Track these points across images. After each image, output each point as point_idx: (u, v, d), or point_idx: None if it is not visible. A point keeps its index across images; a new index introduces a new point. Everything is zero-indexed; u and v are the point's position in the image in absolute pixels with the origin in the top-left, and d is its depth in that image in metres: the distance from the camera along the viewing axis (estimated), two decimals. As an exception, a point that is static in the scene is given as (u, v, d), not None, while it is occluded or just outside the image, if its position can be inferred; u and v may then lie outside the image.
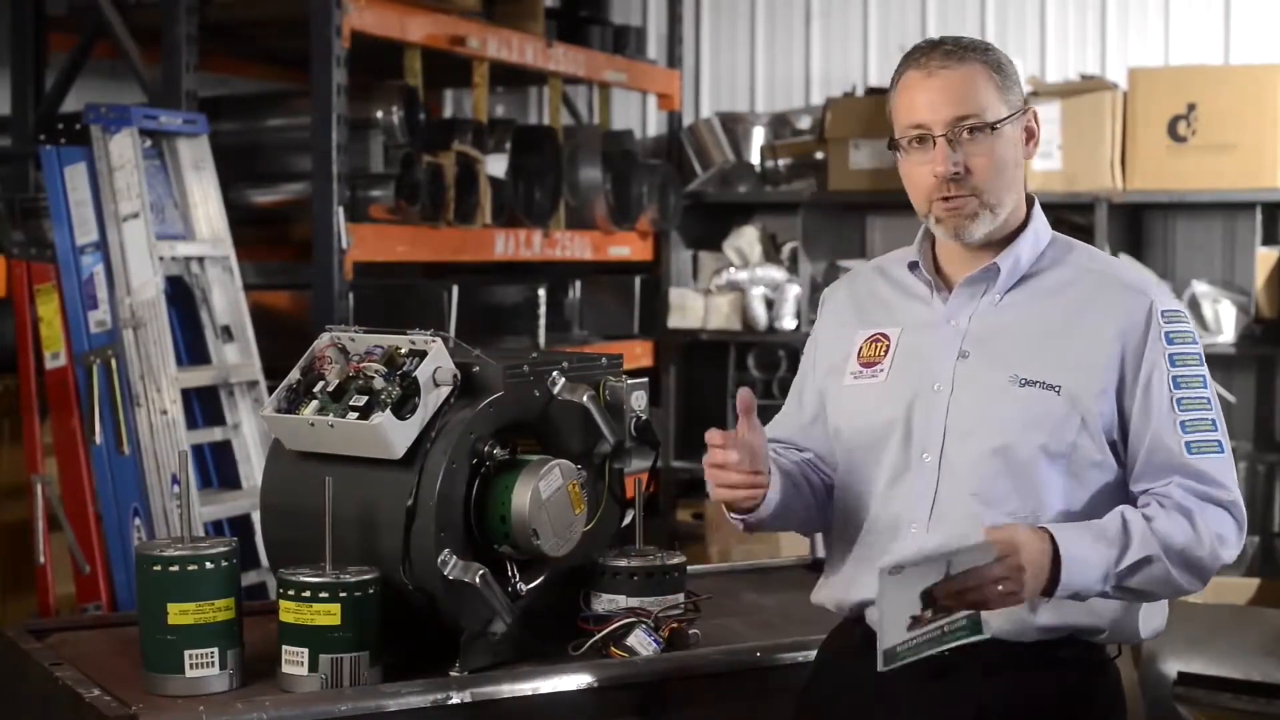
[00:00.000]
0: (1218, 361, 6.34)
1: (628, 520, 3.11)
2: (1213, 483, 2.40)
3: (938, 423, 2.44)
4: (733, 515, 2.53)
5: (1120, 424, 2.42)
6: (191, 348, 4.81)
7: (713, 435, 2.42)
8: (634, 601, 2.94)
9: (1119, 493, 2.44)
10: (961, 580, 2.24)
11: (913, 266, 2.55)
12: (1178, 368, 2.41)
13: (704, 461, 2.45)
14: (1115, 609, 2.43)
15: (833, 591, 2.57)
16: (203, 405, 4.80)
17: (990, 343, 2.45)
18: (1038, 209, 2.54)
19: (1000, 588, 2.24)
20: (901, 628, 2.26)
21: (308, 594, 2.66)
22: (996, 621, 2.32)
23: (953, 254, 2.52)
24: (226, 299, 4.83)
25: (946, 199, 2.42)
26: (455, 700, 2.69)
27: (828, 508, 2.63)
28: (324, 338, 2.95)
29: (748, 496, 2.44)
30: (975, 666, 2.36)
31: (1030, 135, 2.50)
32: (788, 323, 6.74)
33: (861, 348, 2.55)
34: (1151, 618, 2.50)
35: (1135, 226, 6.62)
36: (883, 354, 2.52)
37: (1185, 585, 2.38)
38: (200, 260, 4.82)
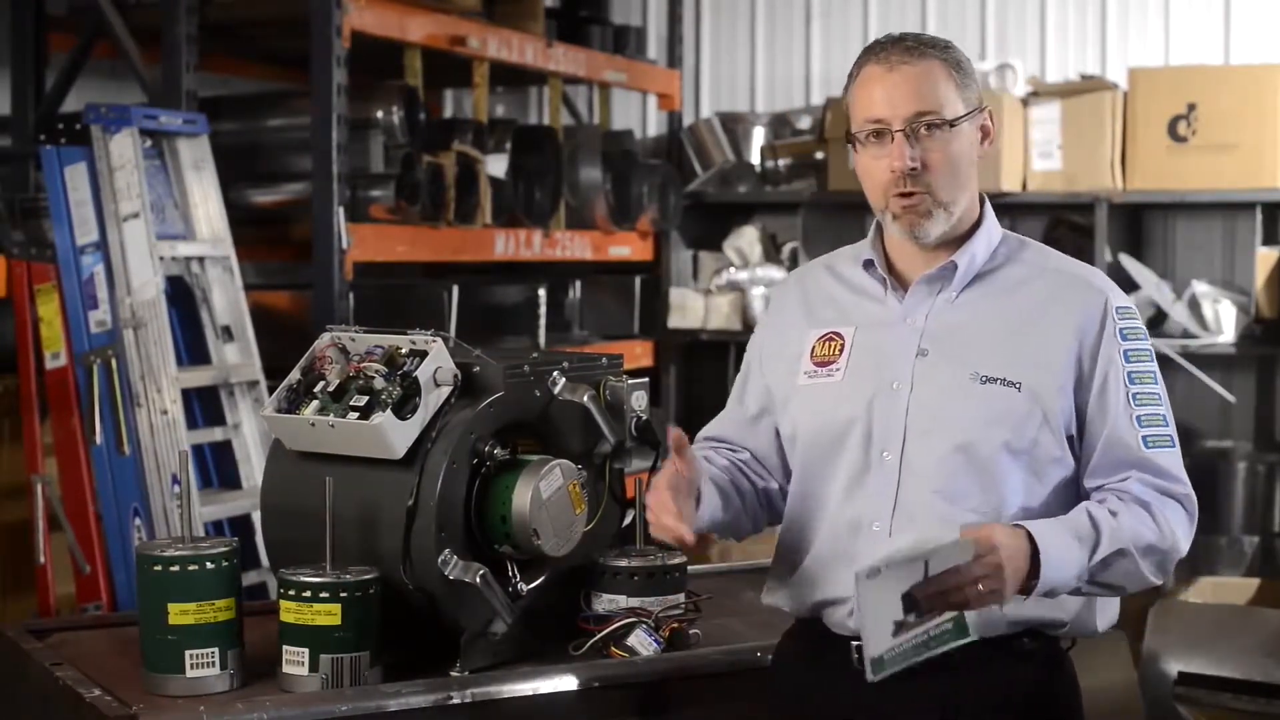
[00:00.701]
0: (1218, 361, 6.35)
1: (628, 520, 3.11)
2: (1169, 477, 2.44)
3: (898, 421, 2.43)
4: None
5: (1077, 420, 2.43)
6: (192, 348, 4.81)
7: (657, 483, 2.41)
8: (634, 601, 2.94)
9: (1075, 488, 2.46)
10: (942, 581, 2.24)
11: (867, 265, 2.54)
12: (1132, 364, 2.44)
13: (646, 498, 2.43)
14: (1078, 603, 2.44)
15: (791, 593, 2.55)
16: (203, 405, 4.80)
17: (949, 340, 2.45)
18: (989, 207, 2.54)
19: (981, 587, 2.24)
20: (886, 634, 2.26)
21: (308, 594, 2.66)
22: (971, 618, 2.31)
23: (906, 252, 2.51)
24: (227, 299, 4.83)
25: (902, 195, 2.42)
26: (456, 700, 2.69)
27: (761, 511, 2.63)
28: (324, 338, 2.95)
29: (671, 532, 2.40)
30: (939, 663, 2.33)
31: (986, 134, 2.50)
32: (788, 323, 6.73)
33: (814, 347, 2.54)
34: (1106, 610, 2.52)
35: (1135, 226, 6.62)
36: (838, 353, 2.51)
37: (1152, 578, 2.40)
38: (200, 260, 4.82)
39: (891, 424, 2.43)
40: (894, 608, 2.26)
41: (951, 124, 2.42)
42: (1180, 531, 2.42)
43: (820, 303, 2.59)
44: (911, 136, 2.40)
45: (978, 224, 2.51)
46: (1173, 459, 2.46)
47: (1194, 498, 2.47)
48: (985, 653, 2.36)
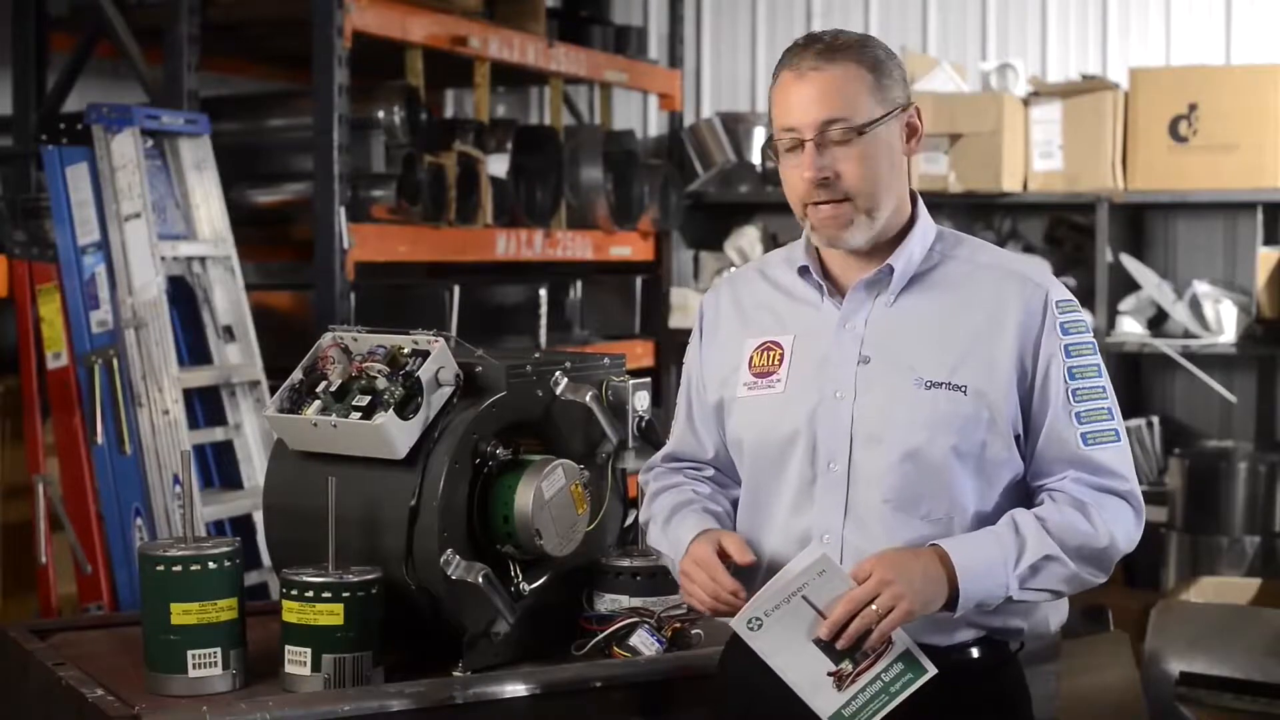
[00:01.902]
0: (1219, 361, 6.35)
1: (630, 520, 3.11)
2: (1109, 473, 2.40)
3: (843, 430, 2.38)
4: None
5: (1022, 418, 2.40)
6: (193, 348, 4.81)
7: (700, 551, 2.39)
8: (636, 601, 2.94)
9: (1025, 489, 2.43)
10: (837, 615, 2.22)
11: (803, 271, 2.49)
12: (1073, 358, 2.40)
13: (688, 571, 2.40)
14: (1029, 607, 2.41)
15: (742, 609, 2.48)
16: (204, 405, 4.80)
17: (891, 346, 2.40)
18: (921, 205, 2.49)
19: (875, 607, 2.23)
20: (828, 688, 2.24)
21: (311, 594, 2.67)
22: (916, 628, 2.29)
23: (840, 257, 2.46)
24: (228, 299, 4.83)
25: (819, 204, 2.37)
26: (458, 700, 2.70)
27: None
28: (327, 338, 2.95)
29: (717, 611, 2.39)
30: None
31: (913, 133, 2.44)
32: (789, 323, 6.73)
33: (752, 357, 2.48)
34: (1059, 610, 2.49)
35: (1136, 226, 6.62)
36: (777, 363, 2.46)
37: (1089, 579, 2.38)
38: (202, 260, 4.81)
39: (836, 434, 2.39)
40: (816, 659, 2.24)
41: (861, 130, 2.35)
42: (1120, 528, 2.38)
43: (755, 310, 2.53)
44: (822, 145, 2.35)
45: (911, 223, 2.46)
46: (1115, 455, 2.41)
47: (1138, 493, 2.43)
48: (938, 662, 2.32)
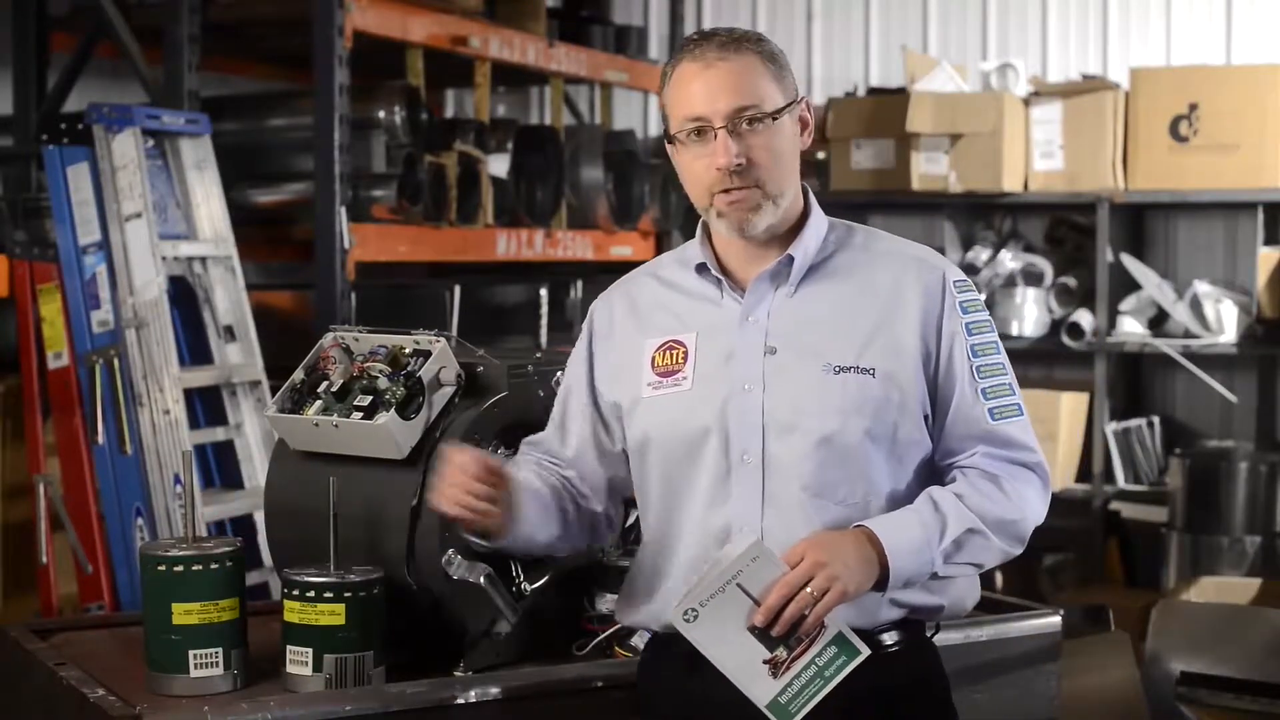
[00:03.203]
0: (1219, 361, 6.35)
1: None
2: (1017, 446, 2.44)
3: (754, 422, 2.39)
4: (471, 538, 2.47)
5: (929, 398, 2.42)
6: (194, 348, 4.81)
7: (458, 454, 2.37)
8: (638, 601, 2.94)
9: (933, 468, 2.46)
10: (771, 601, 2.23)
11: (700, 269, 2.49)
12: (974, 336, 2.44)
13: (442, 474, 2.38)
14: (947, 585, 2.44)
15: (658, 609, 2.46)
16: (205, 405, 4.80)
17: (796, 335, 2.42)
18: (813, 197, 2.52)
19: (811, 590, 2.23)
20: (763, 676, 2.24)
21: (312, 594, 2.67)
22: (846, 614, 2.30)
23: (736, 251, 2.47)
24: (229, 299, 4.83)
25: (728, 191, 2.39)
26: (460, 700, 2.69)
27: (583, 534, 2.59)
28: (328, 338, 2.95)
29: (476, 521, 2.38)
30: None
31: (804, 125, 2.47)
32: (789, 322, 6.73)
33: (654, 357, 2.48)
34: (973, 590, 2.53)
35: (1137, 226, 6.62)
36: (681, 361, 2.46)
37: (1008, 549, 2.41)
38: (203, 260, 4.81)
39: (748, 426, 2.39)
40: (750, 648, 2.24)
41: (774, 117, 2.39)
42: (1031, 499, 2.43)
43: (652, 311, 2.53)
44: (734, 132, 2.37)
45: (804, 215, 2.49)
46: (1020, 428, 2.45)
47: (1045, 464, 2.47)
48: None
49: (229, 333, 4.82)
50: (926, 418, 2.43)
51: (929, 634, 2.50)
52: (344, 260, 4.95)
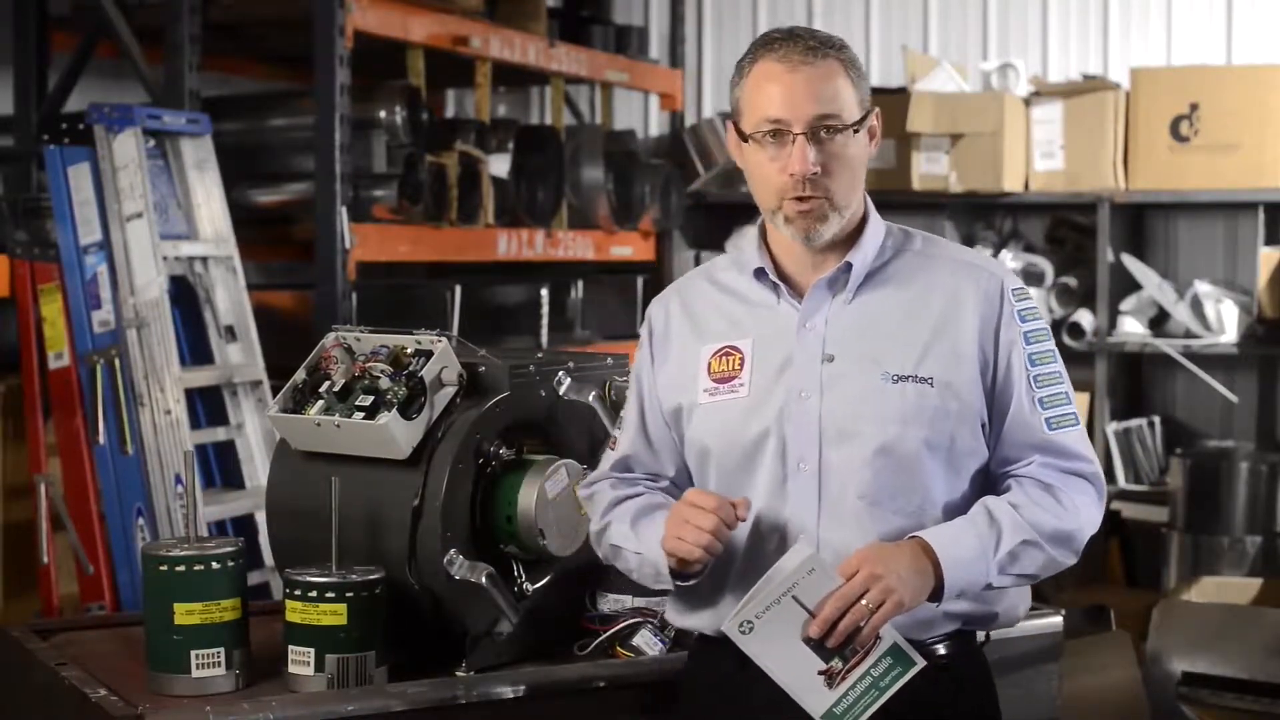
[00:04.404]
0: (1220, 362, 6.35)
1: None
2: (1073, 456, 2.43)
3: (811, 430, 2.38)
4: (674, 578, 2.42)
5: (986, 407, 2.41)
6: (195, 347, 4.81)
7: (701, 497, 2.34)
8: (640, 601, 2.94)
9: (991, 478, 2.45)
10: (827, 613, 2.23)
11: (758, 274, 2.48)
12: (1032, 345, 2.43)
13: (684, 514, 2.34)
14: (1000, 595, 2.44)
15: (713, 614, 2.45)
16: (206, 405, 4.80)
17: (853, 343, 2.41)
18: (870, 202, 2.50)
19: (867, 602, 2.23)
20: (818, 687, 2.25)
21: (314, 594, 2.67)
22: (900, 625, 2.30)
23: (795, 256, 2.46)
24: (230, 299, 4.83)
25: (799, 198, 2.37)
26: (461, 700, 2.69)
27: None
28: (330, 337, 2.95)
29: (701, 559, 2.35)
30: None
31: (873, 135, 2.45)
32: (790, 322, 6.73)
33: (710, 363, 2.46)
34: (1024, 598, 2.52)
35: (1137, 226, 6.62)
36: (738, 367, 2.45)
37: (1062, 561, 2.40)
38: (204, 260, 4.81)
39: (805, 434, 2.38)
40: (806, 659, 2.25)
41: (855, 129, 2.38)
42: (1087, 510, 2.42)
43: (707, 316, 2.51)
44: (812, 140, 2.35)
45: (863, 221, 2.47)
46: (1077, 438, 2.45)
47: (1100, 474, 2.47)
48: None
49: (230, 333, 4.82)
50: (983, 426, 2.42)
51: (979, 641, 2.49)
52: (345, 260, 4.95)
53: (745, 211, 7.15)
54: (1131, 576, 6.38)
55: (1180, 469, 5.94)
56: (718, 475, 2.45)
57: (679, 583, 2.43)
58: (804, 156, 2.34)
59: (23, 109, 5.48)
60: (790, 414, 2.39)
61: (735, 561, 2.42)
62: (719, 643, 2.38)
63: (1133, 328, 6.29)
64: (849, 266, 2.43)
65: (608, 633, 2.90)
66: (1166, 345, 6.17)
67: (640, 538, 2.47)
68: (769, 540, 2.40)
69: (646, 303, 7.01)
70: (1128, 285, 6.41)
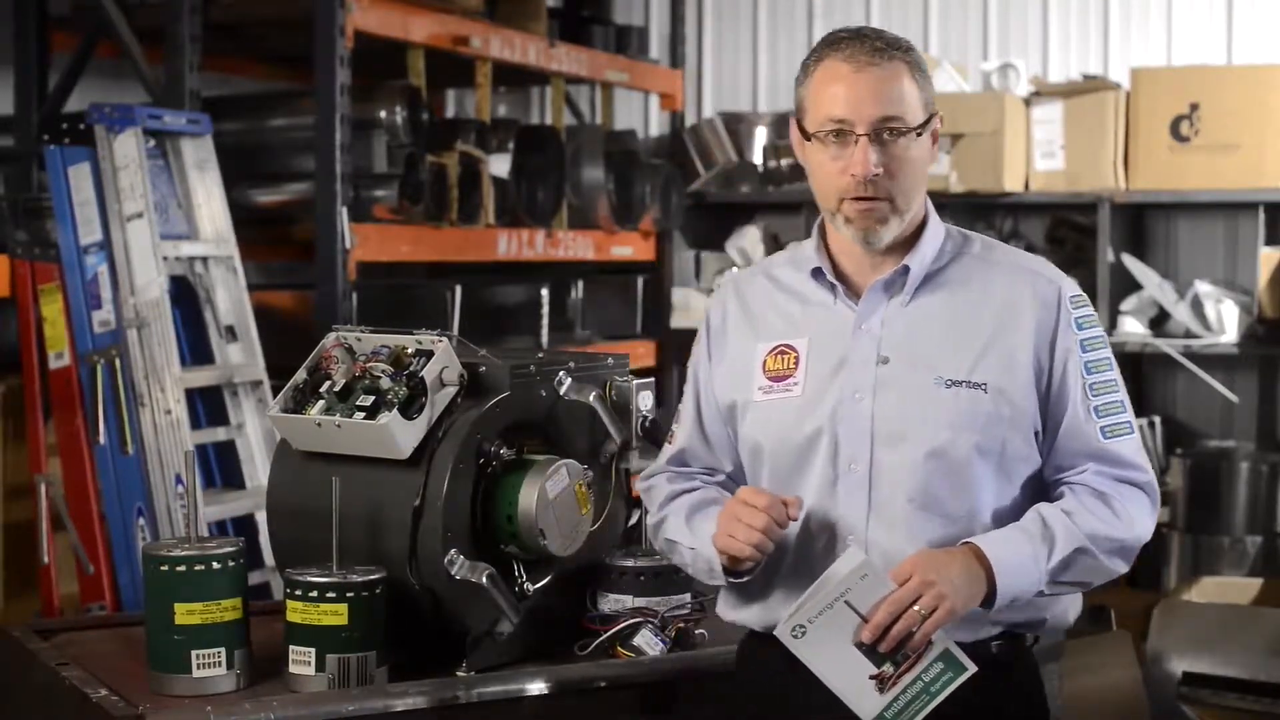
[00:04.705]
0: (1220, 362, 6.34)
1: (634, 520, 3.11)
2: (1128, 465, 2.43)
3: (863, 431, 2.39)
4: (726, 575, 2.43)
5: (1040, 413, 2.41)
6: (195, 348, 4.81)
7: (755, 495, 2.35)
8: (640, 601, 2.94)
9: (1042, 484, 2.45)
10: (879, 619, 2.24)
11: (815, 273, 2.48)
12: (1089, 353, 2.43)
13: (736, 511, 2.35)
14: (1052, 601, 2.44)
15: (762, 609, 2.47)
16: (206, 405, 4.80)
17: (909, 346, 2.41)
18: (930, 204, 2.50)
19: (918, 607, 2.24)
20: (870, 691, 2.25)
21: (315, 594, 2.67)
22: (952, 630, 2.30)
23: (853, 256, 2.46)
24: (230, 299, 4.83)
25: (860, 199, 2.37)
26: (462, 700, 2.70)
27: None
28: (330, 338, 2.95)
29: (753, 557, 2.36)
30: None
31: (935, 138, 2.45)
32: (790, 323, 6.72)
33: (766, 361, 2.47)
34: (1075, 604, 2.52)
35: (1138, 226, 6.62)
36: (793, 366, 2.45)
37: (1114, 570, 2.41)
38: (204, 260, 4.81)
39: (857, 434, 2.39)
40: (858, 663, 2.25)
41: (918, 132, 2.38)
42: (1140, 518, 2.42)
43: (764, 314, 2.52)
44: (875, 142, 2.35)
45: (923, 224, 2.47)
46: (1131, 446, 2.45)
47: (1155, 483, 2.46)
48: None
49: (230, 333, 4.82)
50: (1036, 433, 2.41)
51: (1029, 645, 2.49)
52: (345, 260, 4.95)
53: (745, 211, 7.16)
54: (1132, 576, 6.37)
55: (1181, 469, 5.94)
56: (770, 473, 2.46)
57: (731, 579, 2.44)
58: (865, 158, 2.34)
59: (23, 109, 5.48)
60: (843, 415, 2.40)
61: (786, 559, 2.43)
62: (769, 641, 2.39)
63: (1133, 328, 6.29)
64: (906, 269, 2.43)
65: (608, 633, 2.91)
66: (1167, 345, 6.17)
67: (695, 533, 2.48)
68: (818, 540, 2.41)
69: (647, 303, 7.09)
70: (1128, 285, 6.40)
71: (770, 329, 2.50)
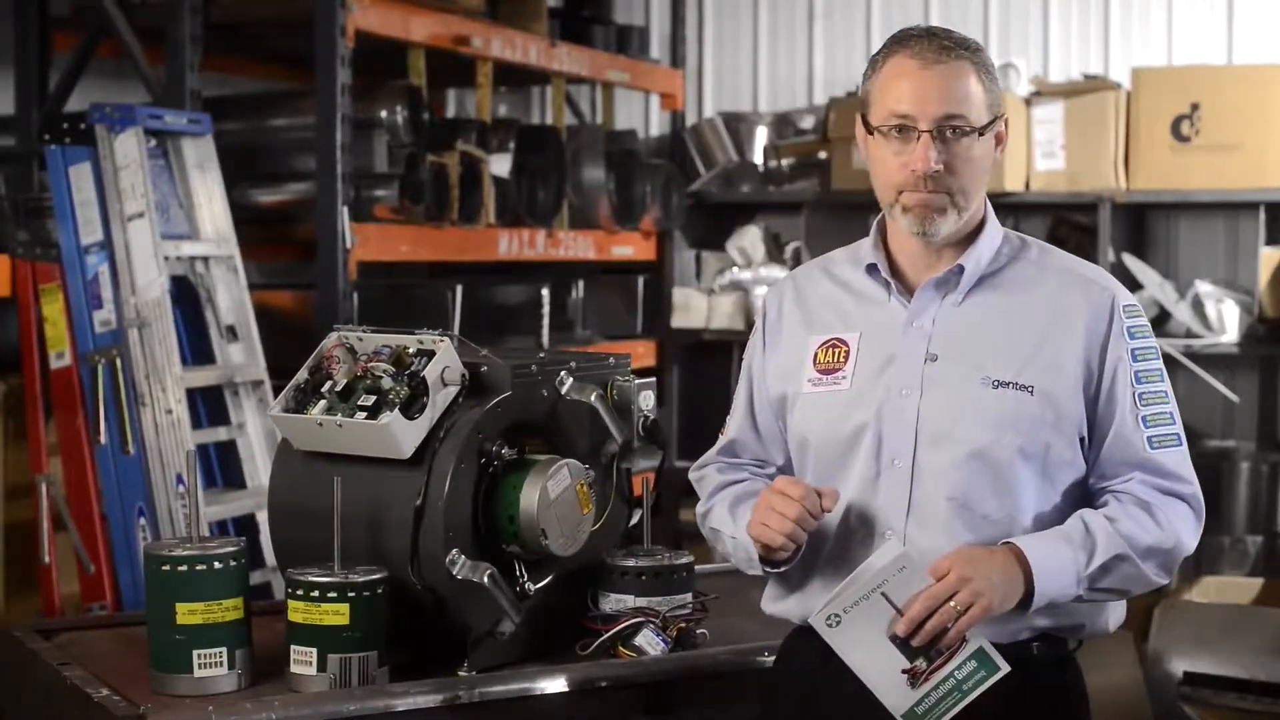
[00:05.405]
0: (1221, 361, 6.35)
1: (635, 520, 3.11)
2: (1173, 476, 2.43)
3: (908, 428, 2.40)
4: (763, 564, 2.46)
5: (1087, 420, 2.41)
6: (196, 347, 4.81)
7: (791, 485, 2.36)
8: (642, 601, 2.94)
9: (1085, 490, 2.45)
10: (915, 612, 2.24)
11: (870, 269, 2.50)
12: (1139, 363, 2.43)
13: (771, 501, 2.36)
14: (1092, 606, 2.43)
15: (800, 601, 2.49)
16: (207, 405, 4.80)
17: (958, 345, 2.42)
18: (990, 207, 2.51)
19: (955, 604, 2.24)
20: (901, 685, 2.25)
21: (316, 594, 2.67)
22: (986, 629, 2.31)
23: (910, 253, 2.48)
24: (231, 298, 4.83)
25: (917, 192, 2.39)
26: (463, 700, 2.70)
27: None
28: (332, 337, 2.95)
29: (785, 546, 2.37)
30: None
31: (1000, 140, 2.47)
32: (791, 322, 6.73)
33: (817, 354, 2.49)
34: (1116, 609, 2.52)
35: (1138, 226, 6.62)
36: (843, 360, 2.47)
37: (1155, 579, 2.40)
38: (205, 260, 4.81)
39: (902, 430, 2.40)
40: (891, 656, 2.25)
41: (981, 132, 2.40)
42: (1184, 530, 2.42)
43: (819, 308, 2.54)
44: (938, 139, 2.37)
45: (981, 224, 2.48)
46: (1178, 458, 2.45)
47: (1200, 496, 2.46)
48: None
49: (231, 332, 4.82)
50: (1081, 439, 2.42)
51: (1070, 649, 2.49)
52: (346, 260, 4.95)
53: (745, 211, 7.17)
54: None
55: (1181, 469, 5.93)
56: (815, 466, 2.48)
57: (769, 569, 2.46)
58: (926, 154, 2.36)
59: (24, 109, 5.48)
60: (889, 410, 2.41)
61: (824, 552, 2.44)
62: (808, 636, 2.39)
63: (1134, 327, 6.29)
64: (961, 269, 2.44)
65: (610, 632, 2.90)
66: (1167, 345, 6.16)
67: (737, 522, 2.50)
68: (856, 534, 2.42)
69: (647, 302, 7.08)
70: (1129, 285, 6.34)
71: (823, 322, 2.52)
